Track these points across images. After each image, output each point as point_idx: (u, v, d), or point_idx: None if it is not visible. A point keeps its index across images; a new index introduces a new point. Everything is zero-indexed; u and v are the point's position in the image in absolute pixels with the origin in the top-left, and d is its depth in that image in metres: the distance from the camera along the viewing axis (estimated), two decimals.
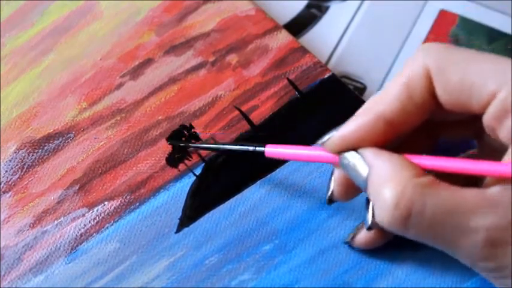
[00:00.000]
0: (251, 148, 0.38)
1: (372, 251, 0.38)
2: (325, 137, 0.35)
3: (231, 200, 0.40)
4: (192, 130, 0.42)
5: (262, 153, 0.38)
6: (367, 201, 0.35)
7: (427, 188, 0.31)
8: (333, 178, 0.36)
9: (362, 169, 0.33)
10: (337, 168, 0.35)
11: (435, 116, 0.34)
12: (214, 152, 0.41)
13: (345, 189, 0.36)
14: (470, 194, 0.31)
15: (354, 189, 0.35)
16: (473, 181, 0.33)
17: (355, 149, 0.34)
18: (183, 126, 0.43)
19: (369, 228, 0.35)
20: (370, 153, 0.33)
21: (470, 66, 0.31)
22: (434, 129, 0.36)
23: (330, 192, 0.36)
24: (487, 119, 0.32)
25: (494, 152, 0.33)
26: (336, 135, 0.34)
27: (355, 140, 0.33)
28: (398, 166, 0.32)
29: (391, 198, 0.31)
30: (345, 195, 0.36)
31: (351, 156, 0.34)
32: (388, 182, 0.31)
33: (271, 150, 0.37)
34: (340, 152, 0.34)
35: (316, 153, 0.36)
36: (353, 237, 0.38)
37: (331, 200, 0.36)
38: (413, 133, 0.34)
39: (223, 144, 0.41)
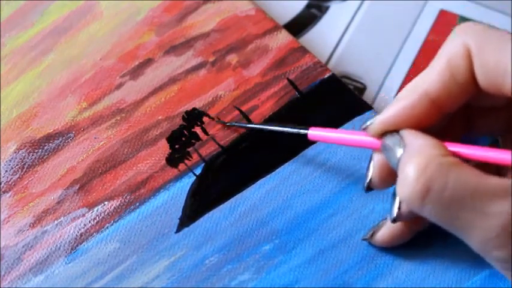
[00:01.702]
0: (295, 130, 0.38)
1: (372, 251, 0.38)
2: (368, 122, 0.34)
3: (231, 200, 0.40)
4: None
5: (305, 135, 0.37)
6: (394, 193, 0.35)
7: (451, 167, 0.31)
8: (371, 164, 0.35)
9: (398, 150, 0.33)
10: (377, 153, 0.35)
11: (472, 100, 0.34)
12: (214, 152, 0.41)
13: (384, 175, 0.35)
14: (493, 180, 0.30)
15: (393, 175, 0.34)
16: (497, 173, 0.33)
17: (397, 130, 0.33)
18: (183, 126, 0.43)
19: (394, 221, 0.35)
20: (407, 133, 0.33)
21: (506, 48, 0.31)
22: (467, 115, 0.36)
23: (368, 179, 0.35)
24: None
25: None
26: (378, 119, 0.34)
27: (398, 122, 0.33)
28: (428, 144, 0.32)
29: (413, 172, 0.31)
30: (384, 182, 0.35)
31: (391, 138, 0.33)
32: (413, 158, 0.31)
33: (314, 133, 0.37)
34: (382, 134, 0.34)
35: (359, 137, 0.35)
36: (372, 235, 0.37)
37: (369, 188, 0.36)
38: (446, 121, 0.34)
39: (267, 125, 0.41)
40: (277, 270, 0.38)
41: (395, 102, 0.34)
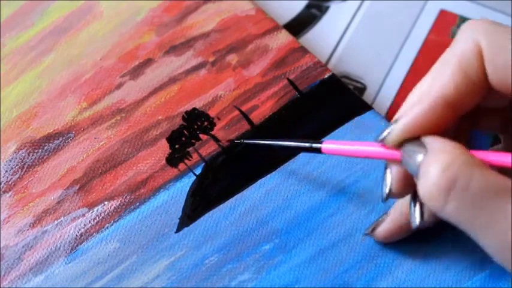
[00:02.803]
0: (307, 145, 0.37)
1: (372, 251, 0.38)
2: (384, 132, 0.34)
3: (231, 199, 0.40)
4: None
5: (319, 149, 0.37)
6: (413, 199, 0.34)
7: (475, 166, 0.30)
8: (388, 173, 0.34)
9: (419, 155, 0.32)
10: (393, 164, 0.34)
11: (484, 99, 0.34)
12: (214, 152, 0.41)
13: (403, 184, 0.34)
14: None
15: (411, 185, 0.34)
16: None
17: (416, 138, 0.33)
18: (183, 126, 0.43)
19: (416, 227, 0.34)
20: (429, 139, 0.32)
21: None
22: (472, 115, 0.35)
23: (387, 189, 0.34)
24: None
25: None
26: (396, 129, 0.33)
27: (417, 129, 0.33)
28: (449, 145, 0.31)
29: (438, 169, 0.30)
30: (404, 191, 0.35)
31: (413, 145, 0.32)
32: (436, 158, 0.31)
33: (328, 146, 0.36)
34: (402, 143, 0.33)
35: (376, 149, 0.34)
36: (373, 230, 0.37)
37: (388, 198, 0.35)
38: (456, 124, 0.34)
39: (279, 140, 0.40)
40: (277, 270, 0.38)
41: (411, 109, 0.33)
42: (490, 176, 0.30)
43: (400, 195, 0.35)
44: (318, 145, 0.37)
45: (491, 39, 0.32)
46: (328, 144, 0.36)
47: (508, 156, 0.31)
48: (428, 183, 0.31)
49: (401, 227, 0.37)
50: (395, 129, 0.33)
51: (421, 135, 0.33)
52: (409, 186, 0.34)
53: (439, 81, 0.33)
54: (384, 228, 0.37)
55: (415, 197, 0.34)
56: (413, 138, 0.33)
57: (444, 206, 0.31)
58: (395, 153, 0.34)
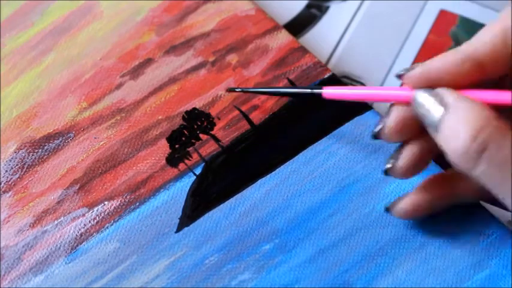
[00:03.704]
0: (308, 90, 0.38)
1: (372, 251, 0.38)
2: (403, 70, 0.34)
3: (231, 199, 0.40)
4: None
5: (320, 95, 0.37)
6: (399, 148, 0.35)
7: (506, 130, 0.31)
8: (390, 114, 0.35)
9: (437, 109, 0.33)
10: (397, 108, 0.35)
11: None
12: (214, 152, 0.41)
13: (400, 128, 0.35)
14: None
15: (407, 132, 0.35)
16: None
17: (434, 87, 0.33)
18: (183, 126, 0.43)
19: (386, 172, 0.35)
20: (450, 94, 0.33)
21: None
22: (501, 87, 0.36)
23: (379, 126, 0.35)
24: None
25: None
26: (420, 68, 0.34)
27: (438, 77, 0.33)
28: (478, 109, 0.32)
29: (470, 132, 0.31)
30: (396, 135, 0.35)
31: (428, 95, 0.33)
32: (467, 119, 0.31)
33: (329, 91, 0.37)
34: (417, 87, 0.34)
35: (388, 92, 0.35)
36: (394, 205, 0.37)
37: (376, 136, 0.36)
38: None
39: (281, 88, 0.41)
40: (277, 269, 0.38)
41: (441, 56, 0.33)
42: None
43: (392, 137, 0.35)
44: (319, 91, 0.38)
45: None
46: (328, 89, 0.37)
47: (507, 94, 0.32)
48: (458, 144, 0.31)
49: (423, 204, 0.37)
50: (417, 70, 0.34)
51: (439, 85, 0.33)
52: (403, 133, 0.35)
53: (478, 40, 0.33)
54: (406, 202, 0.37)
55: (399, 149, 0.35)
56: (431, 86, 0.33)
57: (474, 168, 0.31)
58: (409, 95, 0.34)
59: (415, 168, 0.36)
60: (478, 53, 0.33)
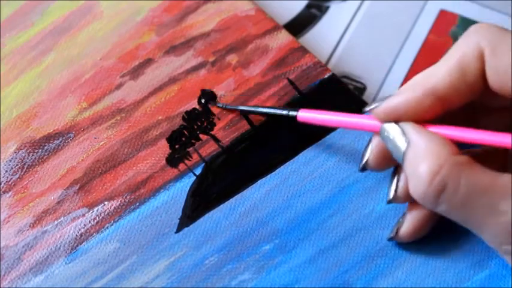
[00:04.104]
0: (284, 112, 0.39)
1: (372, 251, 0.38)
2: (373, 105, 0.35)
3: (231, 200, 0.40)
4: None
5: (295, 117, 0.38)
6: (393, 174, 0.36)
7: (463, 167, 0.32)
8: (370, 146, 0.36)
9: (401, 143, 0.33)
10: (376, 137, 0.36)
11: (479, 99, 0.34)
12: (214, 152, 0.41)
13: (380, 159, 0.36)
14: (503, 179, 0.31)
15: (389, 160, 0.36)
16: (506, 168, 0.34)
17: (398, 121, 0.34)
18: (183, 126, 0.43)
19: (389, 202, 0.36)
20: (411, 128, 0.34)
21: None
22: (471, 113, 0.36)
23: (364, 160, 0.36)
24: None
25: None
26: (383, 106, 0.34)
27: (401, 112, 0.34)
28: (437, 143, 0.32)
29: (427, 173, 0.32)
30: (380, 165, 0.36)
31: (392, 129, 0.34)
32: (425, 158, 0.32)
33: (304, 115, 0.38)
34: (384, 121, 0.35)
35: (358, 120, 0.36)
36: (397, 232, 0.37)
37: (364, 168, 0.37)
38: (451, 115, 0.35)
39: (258, 107, 0.42)
40: (277, 270, 0.38)
41: (402, 92, 0.34)
42: (478, 175, 0.31)
43: (377, 168, 0.37)
44: (294, 113, 0.39)
45: (494, 43, 0.33)
46: (304, 113, 0.38)
47: (482, 134, 0.33)
48: (418, 186, 0.32)
49: (422, 224, 0.37)
50: (381, 106, 0.35)
51: (402, 120, 0.34)
52: (387, 161, 0.36)
53: (435, 75, 0.34)
54: (407, 228, 0.37)
55: (394, 174, 0.36)
56: (395, 120, 0.34)
57: (436, 208, 0.33)
58: (374, 125, 0.35)
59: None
60: (438, 87, 0.33)
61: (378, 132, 0.35)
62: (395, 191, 0.36)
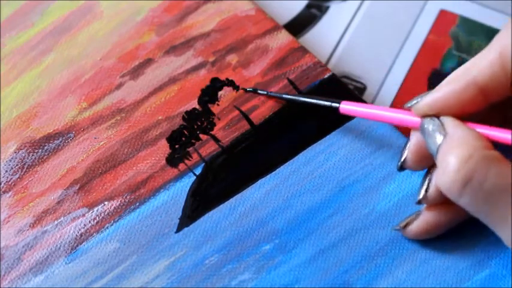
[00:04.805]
0: (327, 103, 0.39)
1: (372, 251, 0.38)
2: (414, 100, 0.35)
3: (231, 200, 0.40)
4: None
5: (337, 109, 0.39)
6: (425, 174, 0.36)
7: (493, 161, 0.31)
8: (408, 145, 0.36)
9: (438, 136, 0.33)
10: (415, 135, 0.36)
11: None
12: (214, 152, 0.41)
13: (419, 157, 0.36)
14: None
15: (427, 158, 0.35)
16: None
17: (439, 115, 0.34)
18: (183, 126, 0.43)
19: (419, 202, 0.36)
20: (449, 122, 0.34)
21: None
22: (504, 111, 0.36)
23: (402, 158, 0.36)
24: None
25: None
26: (425, 100, 0.34)
27: (443, 106, 0.34)
28: (470, 136, 0.32)
29: (455, 162, 0.32)
30: (418, 164, 0.36)
31: (432, 122, 0.34)
32: (457, 147, 0.32)
33: (346, 107, 0.39)
34: (424, 116, 0.35)
35: (399, 115, 0.36)
36: (405, 226, 0.37)
37: (402, 167, 0.37)
38: (493, 110, 0.35)
39: (300, 96, 0.42)
40: (277, 270, 0.38)
41: (444, 85, 0.34)
42: (506, 171, 0.31)
43: (415, 166, 0.36)
44: (337, 104, 0.39)
45: None
46: (345, 105, 0.39)
47: (507, 133, 0.33)
48: (445, 174, 0.32)
49: (437, 224, 0.37)
50: (423, 101, 0.35)
51: (444, 114, 0.34)
52: (426, 160, 0.36)
53: (477, 67, 0.34)
54: (419, 224, 0.37)
55: (427, 174, 0.36)
56: (434, 115, 0.34)
57: (459, 198, 0.32)
58: (415, 121, 0.35)
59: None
60: (480, 79, 0.33)
61: (418, 128, 0.35)
62: (426, 190, 0.35)
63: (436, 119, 0.34)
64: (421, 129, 0.35)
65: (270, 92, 0.43)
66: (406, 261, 0.37)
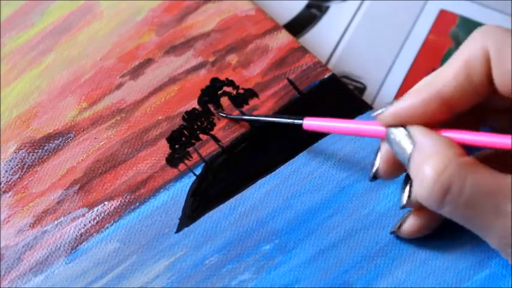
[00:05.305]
0: (289, 121, 0.39)
1: (372, 251, 0.38)
2: (379, 110, 0.35)
3: (231, 200, 0.40)
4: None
5: (300, 125, 0.38)
6: (405, 180, 0.35)
7: (469, 168, 0.31)
8: (379, 154, 0.36)
9: (407, 145, 0.33)
10: (384, 144, 0.36)
11: (485, 101, 0.34)
12: (214, 152, 0.41)
13: (390, 166, 0.36)
14: (508, 180, 0.31)
15: (399, 167, 0.35)
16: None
17: (404, 125, 0.34)
18: (183, 126, 0.43)
19: (402, 207, 0.35)
20: (417, 130, 0.33)
21: None
22: (479, 114, 0.36)
23: (374, 169, 0.36)
24: None
25: None
26: (390, 110, 0.34)
27: (408, 116, 0.34)
28: (442, 144, 0.32)
29: (432, 173, 0.31)
30: (390, 173, 0.36)
31: (398, 132, 0.34)
32: (430, 158, 0.32)
33: (310, 123, 0.38)
34: (390, 126, 0.35)
35: (363, 126, 0.36)
36: (399, 227, 0.37)
37: (375, 177, 0.36)
38: (458, 118, 0.35)
39: (262, 116, 0.42)
40: (277, 270, 0.38)
41: (409, 95, 0.34)
42: (483, 177, 0.31)
43: (387, 176, 0.36)
44: (300, 121, 0.38)
45: (500, 45, 0.32)
46: (309, 121, 0.38)
47: (488, 136, 0.33)
48: (423, 186, 0.32)
49: (427, 222, 0.37)
50: (388, 111, 0.34)
51: (409, 123, 0.34)
52: (397, 168, 0.36)
53: (441, 78, 0.34)
54: (410, 224, 0.37)
55: (406, 180, 0.35)
56: (402, 124, 0.34)
57: (440, 209, 0.32)
58: (380, 131, 0.35)
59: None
60: (444, 91, 0.33)
61: (385, 138, 0.35)
62: (409, 196, 0.35)
63: (401, 128, 0.34)
64: (387, 138, 0.35)
65: (229, 114, 0.42)
66: (406, 262, 0.37)
